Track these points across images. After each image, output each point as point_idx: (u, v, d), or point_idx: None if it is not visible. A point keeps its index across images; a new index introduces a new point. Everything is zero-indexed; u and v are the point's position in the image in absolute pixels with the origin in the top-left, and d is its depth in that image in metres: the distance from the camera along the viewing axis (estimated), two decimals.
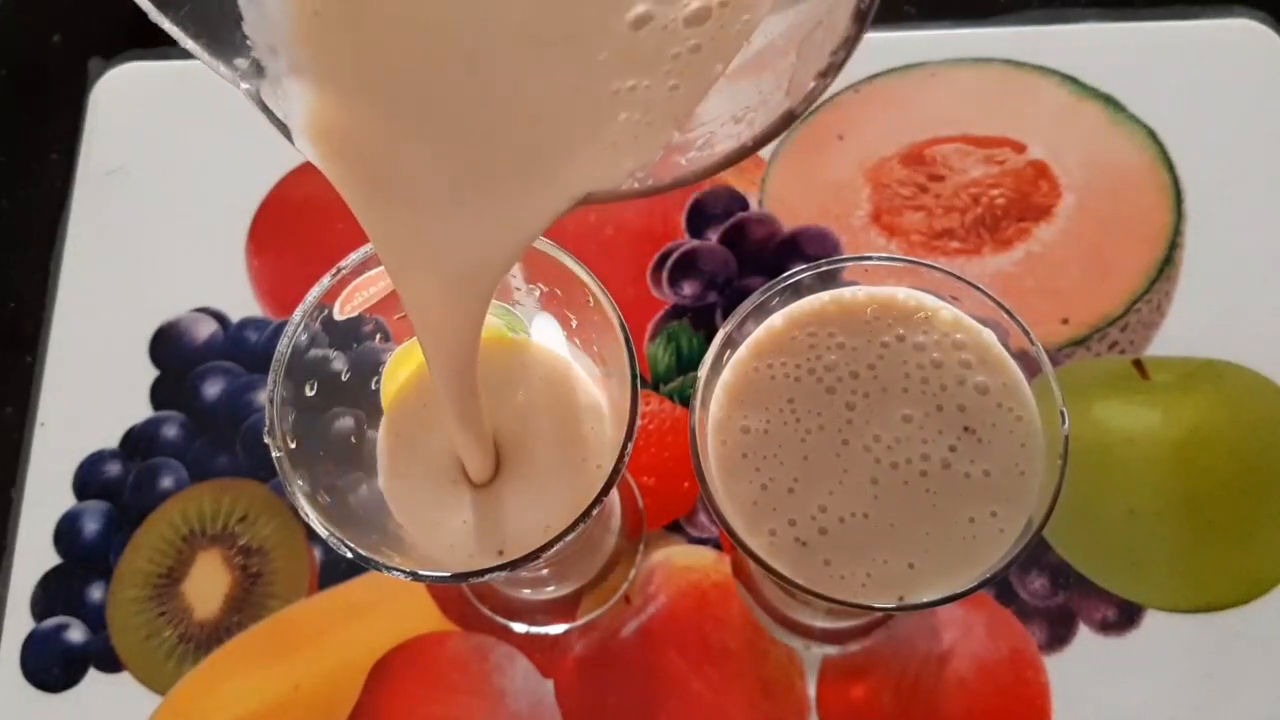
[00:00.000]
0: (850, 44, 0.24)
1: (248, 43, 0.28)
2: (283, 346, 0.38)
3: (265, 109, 0.28)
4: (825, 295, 0.40)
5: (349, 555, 0.35)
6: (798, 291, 0.40)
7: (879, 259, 0.39)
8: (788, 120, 0.25)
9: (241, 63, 0.28)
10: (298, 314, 0.38)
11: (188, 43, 0.27)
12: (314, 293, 0.38)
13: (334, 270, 0.38)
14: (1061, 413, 0.36)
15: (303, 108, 0.28)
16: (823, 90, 0.24)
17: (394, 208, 0.29)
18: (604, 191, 0.28)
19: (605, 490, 0.35)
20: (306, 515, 0.35)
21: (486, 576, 0.34)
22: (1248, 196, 0.58)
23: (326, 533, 0.35)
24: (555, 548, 0.35)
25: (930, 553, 0.36)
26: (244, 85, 0.28)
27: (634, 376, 0.37)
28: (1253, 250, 0.57)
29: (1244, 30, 0.61)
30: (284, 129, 0.29)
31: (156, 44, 0.63)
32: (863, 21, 0.24)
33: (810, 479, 0.37)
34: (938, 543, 0.36)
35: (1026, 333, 0.38)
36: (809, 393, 0.39)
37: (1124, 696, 0.50)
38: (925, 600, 0.35)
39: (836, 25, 0.24)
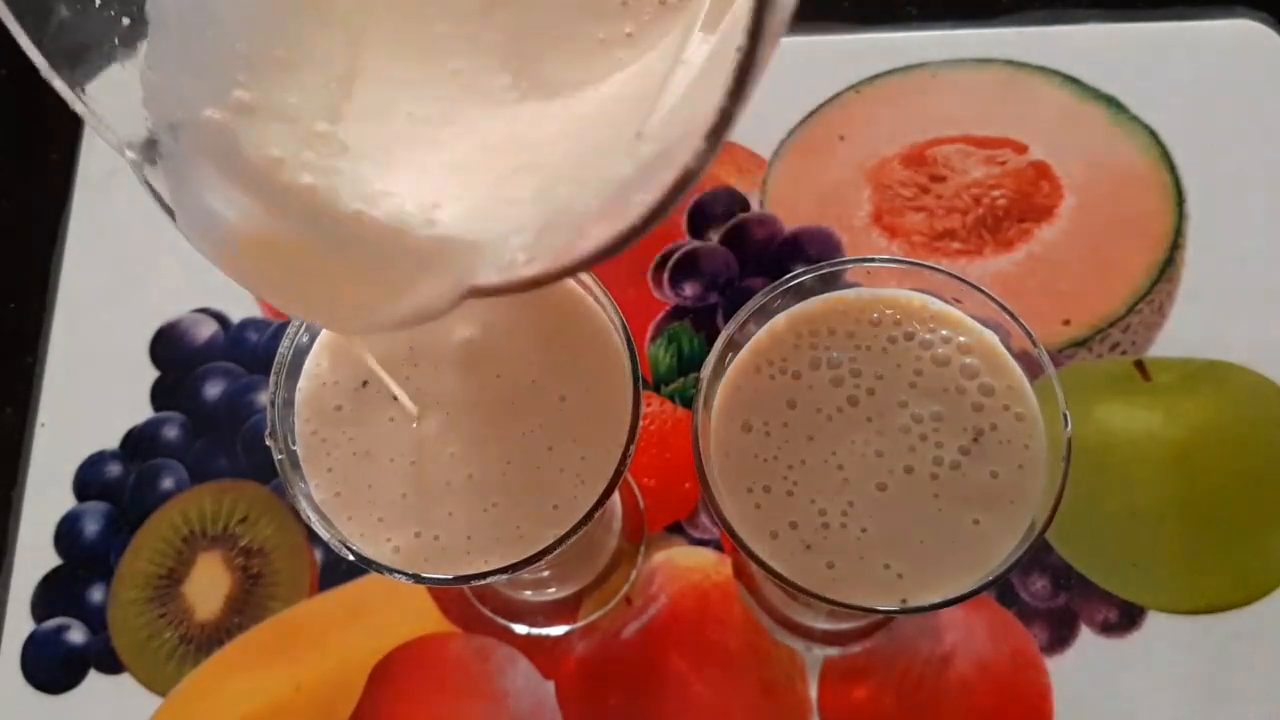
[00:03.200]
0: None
1: (145, 119, 0.27)
2: (284, 348, 0.37)
3: (148, 184, 0.27)
4: (828, 297, 0.40)
5: (351, 558, 0.35)
6: (800, 293, 0.39)
7: (882, 261, 0.39)
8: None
9: (133, 136, 0.27)
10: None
11: (77, 105, 0.26)
12: None
13: None
14: (1064, 415, 0.36)
15: (224, 216, 0.27)
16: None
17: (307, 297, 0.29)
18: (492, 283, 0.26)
19: (607, 493, 0.35)
20: (308, 518, 0.35)
21: (489, 579, 0.34)
22: (1249, 197, 0.57)
23: (328, 535, 0.35)
24: (557, 550, 0.35)
25: (932, 555, 0.36)
26: (129, 154, 0.27)
27: (635, 378, 0.37)
28: (1254, 251, 0.56)
29: (1246, 31, 0.61)
30: (169, 210, 0.28)
31: None
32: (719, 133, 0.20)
33: (812, 481, 0.37)
34: (940, 545, 0.36)
35: (1029, 335, 0.38)
36: (811, 395, 0.39)
37: (1125, 698, 0.50)
38: (928, 603, 0.35)
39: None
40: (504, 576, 0.34)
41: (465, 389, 0.38)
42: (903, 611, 0.34)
